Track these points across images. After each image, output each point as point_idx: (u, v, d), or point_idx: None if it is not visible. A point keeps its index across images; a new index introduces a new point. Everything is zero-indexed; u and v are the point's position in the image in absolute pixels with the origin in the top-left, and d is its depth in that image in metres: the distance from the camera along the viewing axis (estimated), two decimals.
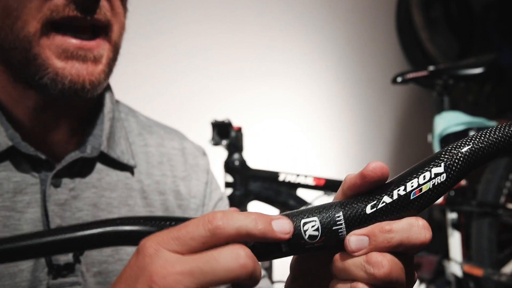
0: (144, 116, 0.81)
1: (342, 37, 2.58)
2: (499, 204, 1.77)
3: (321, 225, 0.38)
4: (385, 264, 0.37)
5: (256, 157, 1.70)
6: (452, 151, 0.39)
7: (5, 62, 0.61)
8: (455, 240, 1.66)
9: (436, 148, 1.71)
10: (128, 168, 0.70)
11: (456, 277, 1.65)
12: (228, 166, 1.48)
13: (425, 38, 2.87)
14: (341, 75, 2.57)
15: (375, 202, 0.38)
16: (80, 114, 0.68)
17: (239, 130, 1.48)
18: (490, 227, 1.76)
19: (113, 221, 0.40)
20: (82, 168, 0.66)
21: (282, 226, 0.37)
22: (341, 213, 0.38)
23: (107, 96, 0.71)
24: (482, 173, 1.85)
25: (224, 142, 1.46)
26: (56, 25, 0.57)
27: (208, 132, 1.50)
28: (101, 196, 0.66)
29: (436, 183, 0.38)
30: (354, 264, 0.38)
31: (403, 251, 0.38)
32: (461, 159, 0.39)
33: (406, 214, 0.38)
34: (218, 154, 1.50)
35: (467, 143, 0.39)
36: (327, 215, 0.38)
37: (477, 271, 1.63)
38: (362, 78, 2.66)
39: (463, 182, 1.69)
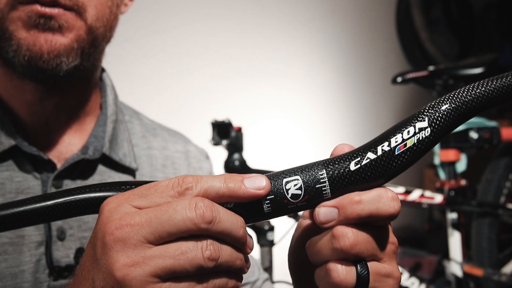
0: (148, 118, 0.81)
1: (342, 37, 2.58)
2: (499, 204, 1.77)
3: (304, 184, 0.37)
4: (350, 235, 0.37)
5: (256, 157, 1.70)
6: (436, 107, 0.38)
7: None
8: (455, 240, 1.66)
9: (436, 148, 1.71)
10: (130, 171, 0.70)
11: (456, 277, 1.65)
12: (228, 166, 1.48)
13: (425, 38, 2.87)
14: (341, 75, 2.57)
15: (359, 158, 0.37)
16: (82, 112, 0.68)
17: (239, 130, 1.48)
18: (490, 227, 1.76)
19: (80, 189, 0.39)
20: (84, 170, 0.66)
21: (255, 182, 0.37)
22: (324, 171, 0.37)
23: (111, 98, 0.71)
24: (482, 173, 1.85)
25: (224, 142, 1.46)
26: (25, 0, 0.57)
27: (208, 132, 1.50)
28: None
29: (420, 138, 0.37)
30: (322, 243, 0.38)
31: (373, 222, 0.38)
32: (446, 113, 0.38)
33: (391, 171, 0.38)
34: (218, 154, 1.50)
35: (449, 99, 0.38)
36: (310, 173, 0.38)
37: (477, 271, 1.62)
38: (362, 78, 2.66)
39: (463, 182, 1.69)
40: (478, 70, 1.68)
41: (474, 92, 0.38)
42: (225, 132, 1.46)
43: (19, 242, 0.60)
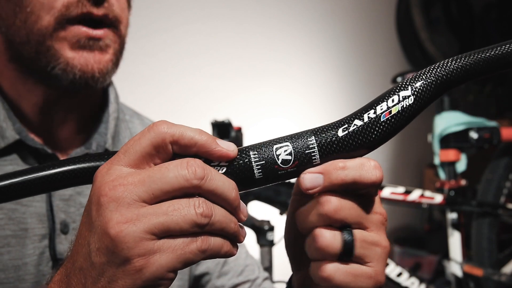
0: (148, 119, 0.82)
1: (342, 37, 2.58)
2: (499, 204, 1.77)
3: (293, 150, 0.39)
4: (333, 200, 0.38)
5: None
6: (418, 77, 0.40)
7: (15, 58, 0.63)
8: (455, 240, 1.66)
9: (436, 148, 1.71)
10: None
11: (456, 277, 1.65)
12: None
13: (425, 38, 2.87)
14: (341, 75, 2.57)
15: (346, 125, 0.39)
16: (87, 110, 0.69)
17: (239, 130, 1.48)
18: (490, 227, 1.76)
19: (74, 160, 0.40)
20: None
21: (225, 143, 0.38)
22: (313, 138, 0.39)
23: (112, 96, 0.72)
24: (482, 173, 1.85)
25: None
26: (74, 18, 0.59)
27: (208, 132, 1.50)
28: None
29: (404, 106, 0.39)
30: (308, 210, 0.39)
31: (357, 189, 0.39)
32: (427, 83, 0.39)
33: (377, 138, 0.39)
34: None
35: (431, 70, 0.40)
36: (300, 140, 0.39)
37: (477, 271, 1.63)
38: (362, 78, 2.66)
39: (463, 182, 1.69)
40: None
41: (455, 63, 0.40)
42: (225, 132, 1.46)
43: (22, 235, 0.60)
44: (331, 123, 0.40)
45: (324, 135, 0.39)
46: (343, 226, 0.39)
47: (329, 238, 0.38)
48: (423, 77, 0.39)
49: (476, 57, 0.39)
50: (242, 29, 2.11)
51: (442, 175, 1.70)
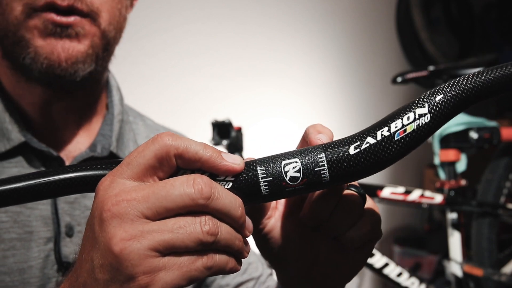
0: (151, 120, 0.82)
1: (342, 37, 2.58)
2: (499, 204, 1.77)
3: (302, 167, 0.37)
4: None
5: (256, 157, 1.70)
6: (436, 93, 0.38)
7: (6, 55, 0.62)
8: (455, 240, 1.66)
9: (436, 148, 1.71)
10: None
11: (456, 277, 1.65)
12: None
13: (425, 38, 2.87)
14: (341, 75, 2.57)
15: (358, 143, 0.37)
16: (89, 112, 0.68)
17: (239, 130, 1.48)
18: (490, 227, 1.76)
19: (76, 167, 0.39)
20: None
21: (231, 157, 0.37)
22: (323, 155, 0.37)
23: (117, 98, 0.72)
24: (482, 173, 1.85)
25: (224, 142, 1.46)
26: (40, 8, 0.58)
27: (208, 132, 1.50)
28: None
29: (420, 124, 0.37)
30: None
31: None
32: (446, 100, 0.37)
33: (390, 157, 0.37)
34: None
35: (449, 86, 0.38)
36: (309, 156, 0.38)
37: (477, 271, 1.62)
38: (362, 78, 2.66)
39: (463, 182, 1.69)
40: (478, 70, 1.67)
41: (474, 80, 0.38)
42: (225, 132, 1.46)
43: (27, 238, 0.60)
44: (343, 139, 0.38)
45: (334, 151, 0.37)
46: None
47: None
48: (443, 91, 0.37)
49: (501, 72, 0.37)
50: (242, 29, 2.11)
51: (442, 175, 1.70)
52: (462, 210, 1.65)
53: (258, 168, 0.37)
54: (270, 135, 2.17)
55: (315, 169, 0.37)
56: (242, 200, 0.37)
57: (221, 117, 1.50)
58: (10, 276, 0.58)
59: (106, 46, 0.64)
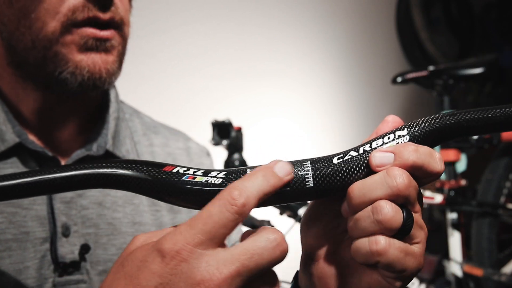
0: (148, 117, 0.82)
1: (342, 37, 2.58)
2: (499, 204, 1.77)
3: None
4: (405, 176, 0.38)
5: (256, 157, 1.70)
6: (417, 124, 0.42)
7: (16, 62, 0.62)
8: (455, 240, 1.66)
9: (436, 148, 1.71)
10: None
11: (456, 277, 1.65)
12: (228, 166, 1.48)
13: (425, 38, 2.87)
14: (341, 75, 2.57)
15: (342, 155, 0.41)
16: (88, 112, 0.68)
17: (239, 130, 1.48)
18: (490, 227, 1.76)
19: (102, 164, 0.41)
20: None
21: (283, 169, 0.39)
22: (308, 162, 0.40)
23: (112, 95, 0.72)
24: (482, 173, 1.85)
25: (224, 142, 1.46)
26: (80, 23, 0.59)
27: (208, 132, 1.50)
28: (106, 194, 0.66)
29: (398, 143, 0.40)
30: (375, 182, 0.39)
31: (419, 176, 0.39)
32: (424, 130, 0.41)
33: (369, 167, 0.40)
34: (218, 154, 1.50)
35: (430, 120, 0.41)
36: (296, 162, 0.41)
37: (477, 271, 1.63)
38: (362, 78, 2.66)
39: (463, 182, 1.69)
40: (478, 70, 1.68)
41: (454, 118, 0.41)
42: (225, 132, 1.46)
43: (23, 239, 0.60)
44: (327, 155, 0.42)
45: (319, 160, 0.41)
46: (402, 204, 0.39)
47: (393, 212, 0.38)
48: (421, 126, 0.41)
49: (474, 116, 0.41)
50: (241, 29, 2.11)
51: (442, 175, 1.70)
52: (462, 210, 1.66)
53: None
54: (270, 135, 2.17)
55: (300, 173, 0.40)
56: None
57: (221, 117, 1.50)
58: (7, 277, 0.58)
59: (124, 52, 0.66)
